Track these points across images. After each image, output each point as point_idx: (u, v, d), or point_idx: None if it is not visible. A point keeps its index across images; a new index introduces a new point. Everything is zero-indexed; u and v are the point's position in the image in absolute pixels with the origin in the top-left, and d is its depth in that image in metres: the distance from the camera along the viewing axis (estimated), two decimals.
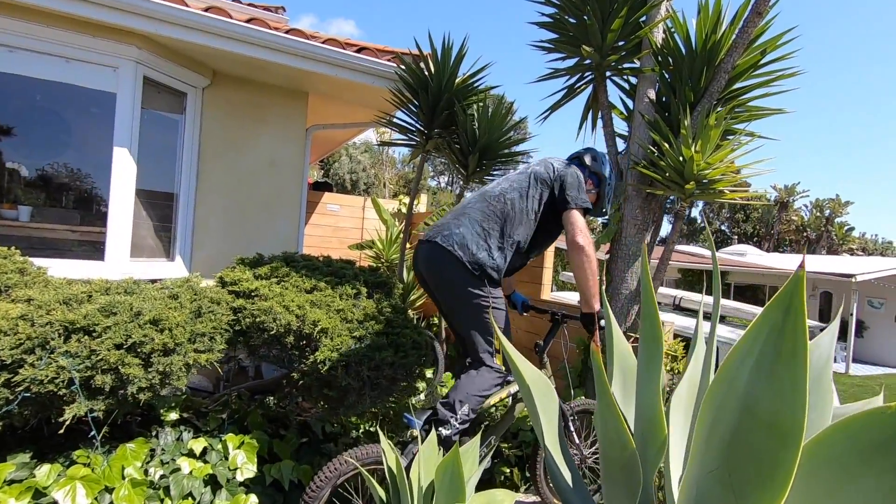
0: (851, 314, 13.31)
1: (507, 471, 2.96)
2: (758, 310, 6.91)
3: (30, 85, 3.64)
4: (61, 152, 4.09)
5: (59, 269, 3.34)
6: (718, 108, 2.81)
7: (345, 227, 7.46)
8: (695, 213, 43.16)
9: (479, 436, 1.82)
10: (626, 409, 1.02)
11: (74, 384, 1.94)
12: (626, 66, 3.24)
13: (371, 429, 2.99)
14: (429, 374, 4.31)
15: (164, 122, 4.26)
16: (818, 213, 38.13)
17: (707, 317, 1.12)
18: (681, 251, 16.10)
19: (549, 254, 4.70)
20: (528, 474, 2.90)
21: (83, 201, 4.07)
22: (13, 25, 3.25)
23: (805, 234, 38.07)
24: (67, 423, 1.91)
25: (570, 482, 0.92)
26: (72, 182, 4.09)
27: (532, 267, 4.89)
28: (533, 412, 0.92)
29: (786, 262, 17.83)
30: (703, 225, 42.46)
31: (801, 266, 0.58)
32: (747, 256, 18.30)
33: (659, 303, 7.33)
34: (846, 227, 37.21)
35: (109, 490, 1.90)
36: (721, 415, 0.71)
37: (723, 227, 42.88)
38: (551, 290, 8.03)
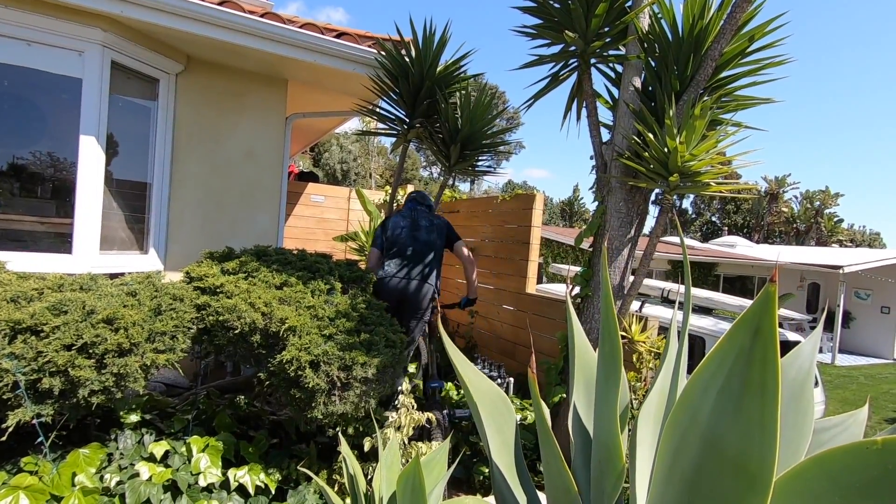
0: (839, 305, 13.40)
1: (486, 471, 2.88)
2: (745, 302, 6.88)
3: None
4: (27, 140, 3.91)
5: (24, 262, 3.20)
6: (705, 98, 2.72)
7: (330, 218, 7.32)
8: (686, 203, 43.26)
9: (447, 442, 1.73)
10: (589, 423, 0.93)
11: (20, 388, 1.82)
12: (611, 52, 3.13)
13: (349, 430, 2.90)
14: (412, 368, 4.23)
15: (136, 108, 4.09)
16: (808, 205, 38.38)
17: (684, 309, 1.03)
18: (670, 242, 16.11)
19: (535, 246, 4.61)
20: None
21: (50, 191, 3.90)
22: None
23: (794, 225, 38.35)
24: (11, 429, 1.80)
25: None
26: (38, 171, 3.91)
27: (518, 260, 4.80)
28: (480, 426, 0.83)
29: (774, 253, 17.92)
30: (693, 216, 42.64)
31: (772, 279, 0.49)
32: (737, 248, 18.37)
33: (647, 295, 7.28)
34: (835, 219, 37.52)
35: (58, 499, 1.80)
36: (683, 448, 0.62)
37: (713, 219, 43.06)
38: (541, 283, 7.95)
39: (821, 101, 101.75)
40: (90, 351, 1.95)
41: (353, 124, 32.32)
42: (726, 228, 40.24)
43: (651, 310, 6.19)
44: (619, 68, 3.17)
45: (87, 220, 3.57)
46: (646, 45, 2.93)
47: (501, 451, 0.85)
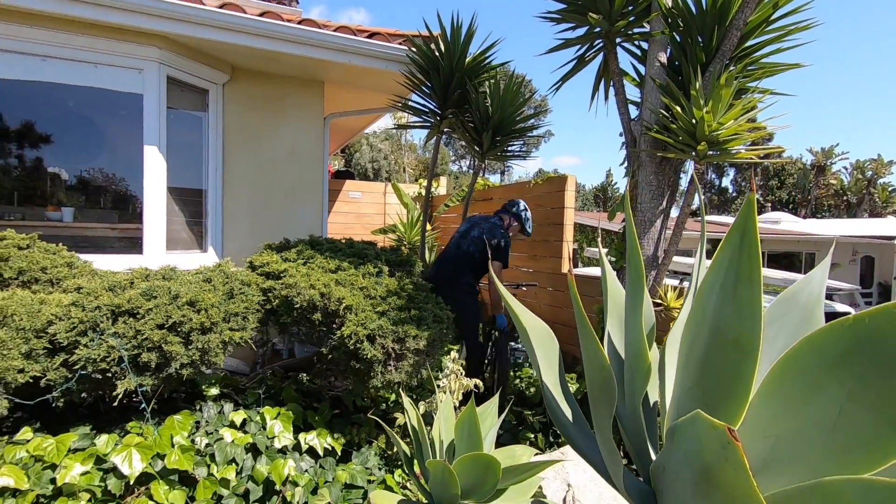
0: (895, 278, 12.77)
1: (532, 436, 3.05)
2: (789, 275, 6.75)
3: (63, 92, 3.86)
4: (96, 155, 4.33)
5: (102, 263, 3.56)
6: (731, 67, 2.77)
7: (367, 213, 7.60)
8: (726, 182, 41.76)
9: (495, 397, 1.91)
10: (620, 346, 1.09)
11: (124, 362, 2.11)
12: (635, 31, 3.20)
13: (400, 400, 3.12)
14: (453, 354, 4.43)
15: (189, 120, 4.43)
16: (859, 176, 36.38)
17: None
18: (711, 221, 15.70)
19: (569, 227, 4.72)
20: (552, 438, 2.99)
21: (120, 200, 4.31)
22: (44, 35, 3.44)
23: (845, 197, 36.45)
24: (120, 396, 2.10)
25: (570, 417, 1.00)
26: (108, 183, 4.34)
27: (553, 241, 4.92)
28: (532, 354, 1.00)
29: (822, 228, 17.19)
30: (734, 194, 41.15)
31: (752, 189, 0.63)
32: (781, 224, 17.72)
33: (686, 273, 7.23)
34: (890, 189, 35.43)
35: (161, 456, 2.08)
36: (696, 339, 0.76)
37: (756, 196, 41.28)
38: (577, 267, 7.98)
39: (869, 65, 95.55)
40: (178, 329, 2.23)
41: (383, 123, 32.81)
42: (769, 205, 38.66)
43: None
44: (644, 45, 3.24)
45: (153, 223, 3.92)
46: (669, 20, 3.00)
47: (548, 372, 1.02)
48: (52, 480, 1.89)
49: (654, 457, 0.90)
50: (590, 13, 3.01)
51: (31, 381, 2.06)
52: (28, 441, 2.00)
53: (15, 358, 2.00)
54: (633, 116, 3.24)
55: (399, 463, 2.64)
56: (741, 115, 2.57)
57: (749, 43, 2.83)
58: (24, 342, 2.07)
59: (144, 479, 2.04)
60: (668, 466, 0.73)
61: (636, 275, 0.87)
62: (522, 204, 4.17)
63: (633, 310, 0.86)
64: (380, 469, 2.55)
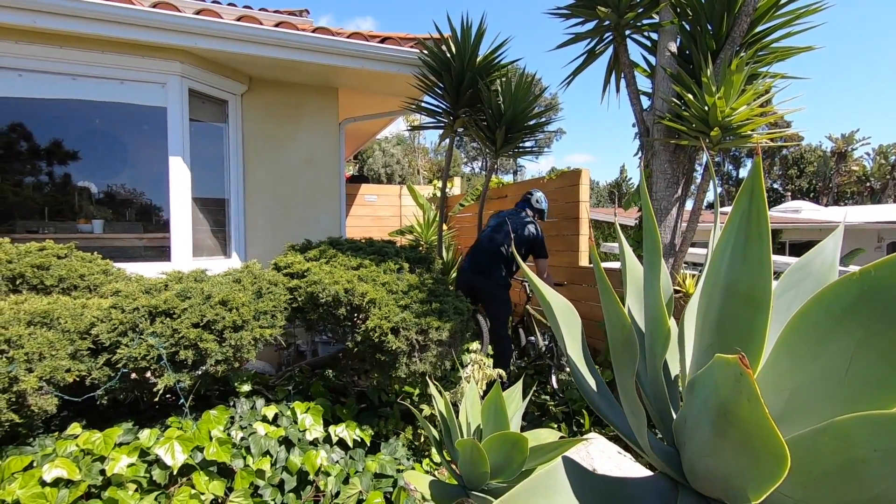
0: None
1: (555, 426, 3.09)
2: None
3: (91, 108, 4.03)
4: (123, 169, 4.50)
5: (133, 271, 3.71)
6: (742, 53, 2.78)
7: (383, 215, 7.71)
8: (743, 172, 41.02)
9: (521, 381, 1.96)
10: (640, 317, 1.14)
11: (163, 359, 2.22)
12: (644, 22, 3.23)
13: (428, 389, 3.18)
14: (474, 346, 4.49)
15: (211, 131, 4.58)
16: (882, 161, 35.46)
17: None
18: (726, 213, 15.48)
19: (584, 220, 4.74)
20: (574, 428, 3.02)
21: (147, 211, 4.48)
22: (74, 55, 3.60)
23: (868, 184, 35.55)
24: (160, 392, 2.20)
25: (594, 387, 1.05)
26: (135, 195, 4.52)
27: (568, 236, 4.94)
28: (556, 329, 1.06)
29: (843, 214, 16.80)
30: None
31: (757, 153, 0.68)
32: (802, 213, 17.39)
33: (702, 264, 7.20)
34: None
35: (200, 448, 2.18)
36: (712, 299, 0.81)
37: (775, 186, 40.58)
38: (592, 263, 7.96)
39: (891, 45, 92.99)
40: (212, 328, 2.32)
41: (395, 128, 33.07)
42: (790, 194, 37.87)
43: None
44: (653, 36, 3.27)
45: (180, 232, 4.06)
46: (678, 9, 3.02)
47: (572, 346, 1.07)
48: (102, 472, 1.99)
49: (675, 418, 0.95)
50: (598, 7, 3.05)
51: (76, 379, 2.17)
52: (77, 436, 2.12)
53: (62, 358, 2.12)
54: (645, 107, 3.27)
55: (426, 453, 2.70)
56: (753, 99, 2.58)
57: (759, 28, 2.85)
58: (70, 343, 2.19)
59: (185, 470, 2.14)
60: (688, 418, 0.78)
61: (653, 245, 0.92)
62: (538, 194, 4.35)
63: (651, 278, 0.91)
64: (408, 459, 2.62)
